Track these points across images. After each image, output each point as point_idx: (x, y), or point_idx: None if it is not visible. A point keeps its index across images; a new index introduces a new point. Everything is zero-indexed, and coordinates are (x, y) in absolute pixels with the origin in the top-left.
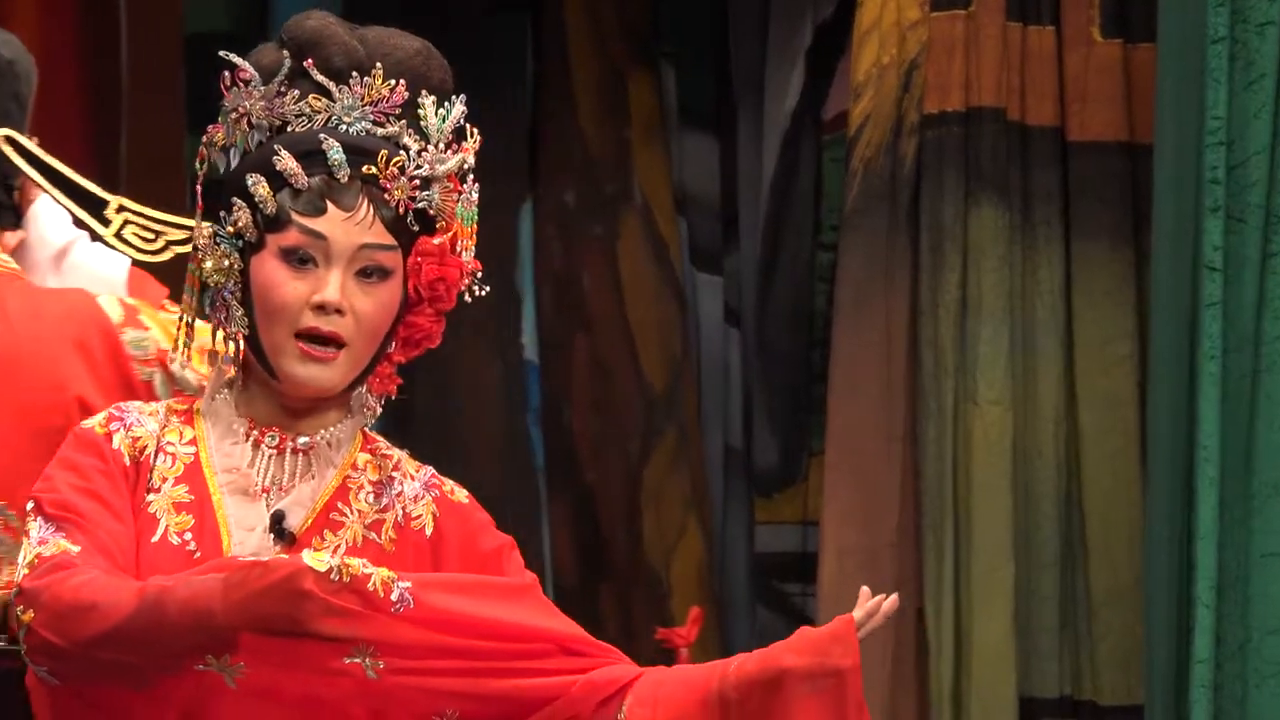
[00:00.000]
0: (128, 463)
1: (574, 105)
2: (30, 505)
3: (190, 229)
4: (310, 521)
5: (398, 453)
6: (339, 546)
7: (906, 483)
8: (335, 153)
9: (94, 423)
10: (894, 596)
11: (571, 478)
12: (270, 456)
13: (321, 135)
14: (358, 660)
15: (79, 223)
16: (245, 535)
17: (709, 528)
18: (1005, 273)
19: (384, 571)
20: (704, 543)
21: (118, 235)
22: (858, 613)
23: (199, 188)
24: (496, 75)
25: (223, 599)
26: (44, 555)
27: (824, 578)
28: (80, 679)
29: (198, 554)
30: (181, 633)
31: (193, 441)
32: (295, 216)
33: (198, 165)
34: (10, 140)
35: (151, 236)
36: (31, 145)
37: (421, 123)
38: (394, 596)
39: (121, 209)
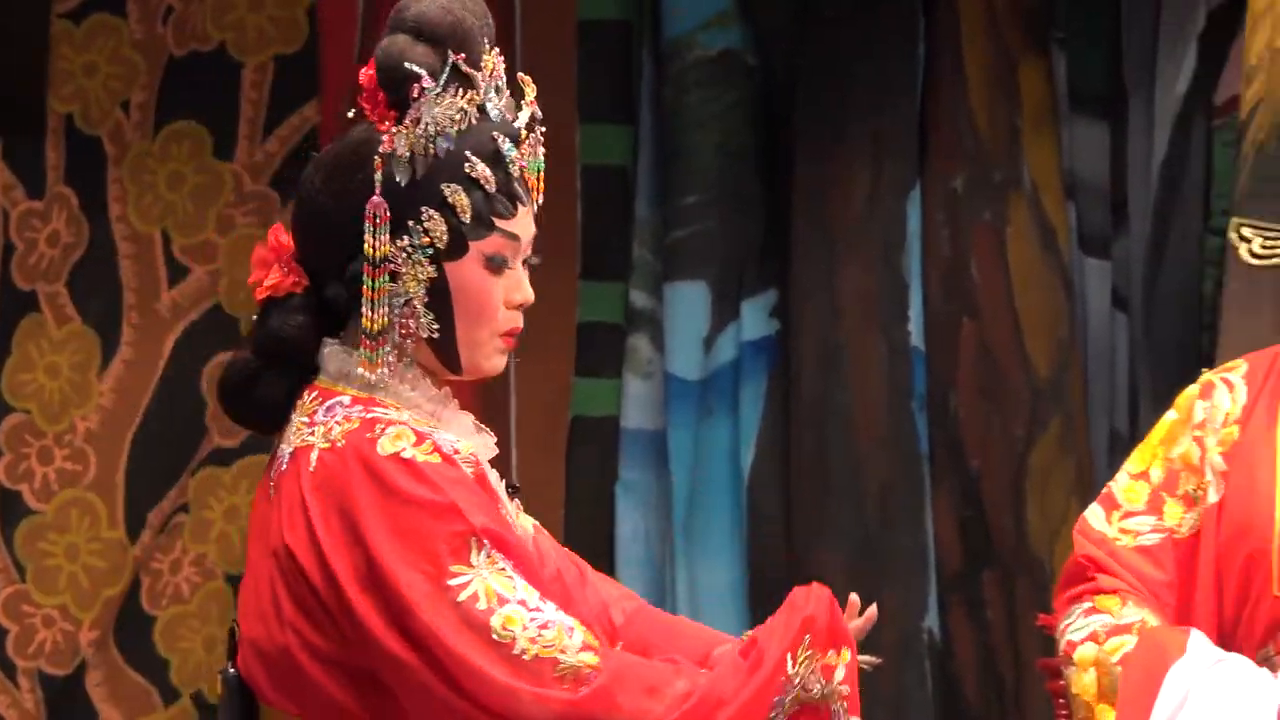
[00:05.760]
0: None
1: (965, 91)
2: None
3: None
4: None
5: None
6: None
7: None
8: (510, 149)
9: (426, 452)
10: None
11: (956, 464)
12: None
13: (495, 133)
14: None
15: None
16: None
17: None
18: None
19: None
20: None
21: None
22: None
23: (379, 200)
24: (885, 58)
25: None
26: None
27: None
28: None
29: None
30: None
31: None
32: (497, 222)
33: (375, 178)
34: None
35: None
36: None
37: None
38: None
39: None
